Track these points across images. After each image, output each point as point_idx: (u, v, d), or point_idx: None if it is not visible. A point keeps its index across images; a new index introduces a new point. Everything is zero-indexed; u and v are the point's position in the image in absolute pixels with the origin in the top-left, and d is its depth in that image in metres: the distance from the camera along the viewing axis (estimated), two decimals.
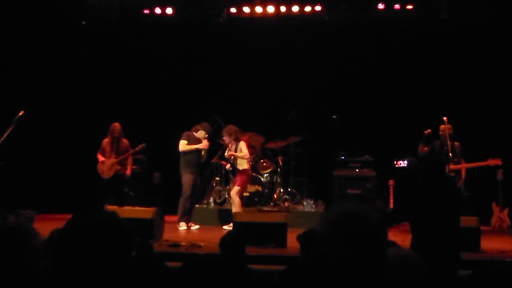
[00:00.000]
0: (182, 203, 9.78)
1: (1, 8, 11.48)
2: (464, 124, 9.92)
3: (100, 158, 9.64)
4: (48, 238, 3.69)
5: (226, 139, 9.82)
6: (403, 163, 8.69)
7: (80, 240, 1.96)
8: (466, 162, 9.16)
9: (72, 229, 2.03)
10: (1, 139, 8.53)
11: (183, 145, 9.78)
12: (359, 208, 1.77)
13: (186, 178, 9.77)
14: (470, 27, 11.30)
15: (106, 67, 12.36)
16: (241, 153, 9.69)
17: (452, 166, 8.74)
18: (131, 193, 11.03)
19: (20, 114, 8.79)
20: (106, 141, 9.69)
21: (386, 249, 1.78)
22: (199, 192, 10.43)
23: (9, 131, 8.60)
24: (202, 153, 9.94)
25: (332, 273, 1.73)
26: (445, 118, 8.95)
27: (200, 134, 9.89)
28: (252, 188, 10.69)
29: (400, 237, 7.18)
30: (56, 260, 2.05)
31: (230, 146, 9.87)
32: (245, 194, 10.44)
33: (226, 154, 9.95)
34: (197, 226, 9.88)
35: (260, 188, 10.86)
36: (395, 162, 8.81)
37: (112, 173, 9.58)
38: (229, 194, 10.35)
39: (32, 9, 11.65)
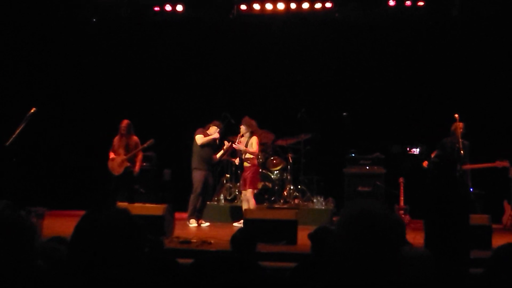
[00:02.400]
0: (192, 200, 9.78)
1: (12, 6, 11.56)
2: (474, 122, 9.85)
3: (111, 155, 9.71)
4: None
5: (243, 129, 9.80)
6: (415, 151, 8.69)
7: (93, 236, 1.97)
8: (474, 162, 9.11)
9: (85, 226, 2.04)
10: (13, 136, 8.58)
11: (200, 139, 9.79)
12: (376, 206, 1.77)
13: (198, 175, 9.77)
14: (481, 24, 11.22)
15: (117, 64, 12.40)
16: (251, 148, 9.69)
17: (463, 166, 8.69)
18: (141, 190, 11.07)
19: (32, 111, 8.83)
20: (116, 138, 9.76)
21: (401, 249, 1.78)
22: (211, 190, 10.43)
23: (21, 128, 8.64)
24: (219, 153, 9.96)
25: (345, 271, 1.73)
26: (456, 115, 8.90)
27: (212, 130, 9.90)
28: (262, 185, 10.69)
29: (411, 235, 7.17)
30: (69, 256, 2.06)
31: (239, 138, 9.85)
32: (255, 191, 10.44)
33: (235, 145, 9.89)
34: (207, 224, 9.89)
35: (270, 185, 10.86)
36: (408, 149, 8.83)
37: (122, 170, 9.63)
38: (239, 191, 10.35)
39: (42, 6, 11.70)
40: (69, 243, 2.02)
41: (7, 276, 2.21)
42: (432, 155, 8.68)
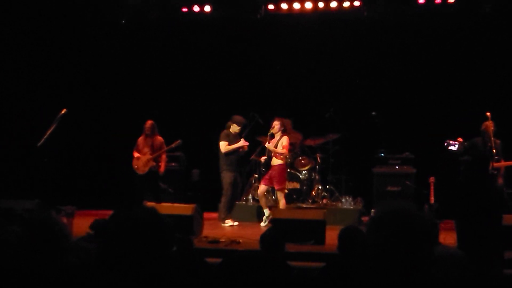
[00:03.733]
0: (224, 203, 9.82)
1: (42, 8, 11.74)
2: (505, 120, 9.63)
3: (136, 154, 9.79)
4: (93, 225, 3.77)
5: (276, 127, 9.76)
6: (453, 147, 8.41)
7: (122, 235, 1.98)
8: (506, 160, 8.91)
9: (114, 224, 2.05)
10: (44, 137, 8.71)
11: (224, 147, 9.80)
12: (408, 206, 1.75)
13: (227, 177, 9.79)
14: None
15: (145, 65, 12.51)
16: (281, 149, 9.67)
17: (495, 164, 8.52)
18: (170, 189, 11.13)
19: (63, 112, 8.95)
20: (141, 138, 9.84)
21: (433, 248, 1.75)
22: (240, 190, 10.42)
23: (52, 129, 8.77)
24: (240, 149, 9.95)
25: (377, 269, 1.70)
26: (488, 113, 8.73)
27: (234, 128, 9.90)
28: (290, 185, 10.66)
29: (441, 235, 7.06)
30: (97, 254, 2.07)
31: (269, 138, 9.83)
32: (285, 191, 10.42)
33: (267, 144, 9.89)
34: (236, 223, 9.89)
35: (298, 185, 10.82)
36: (445, 143, 8.55)
37: (147, 169, 9.70)
38: (267, 191, 10.30)
39: (72, 8, 11.85)
40: (98, 241, 2.03)
41: (40, 271, 2.24)
42: None
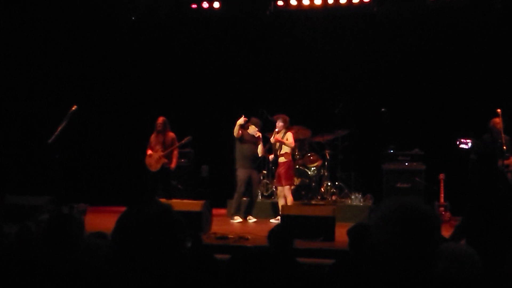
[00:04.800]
0: (236, 199, 9.86)
1: (53, 4, 11.80)
2: None
3: (148, 152, 9.84)
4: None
5: (279, 124, 9.82)
6: (464, 146, 8.27)
7: (136, 231, 1.99)
8: None
9: (128, 220, 2.07)
10: (56, 133, 8.76)
11: (234, 132, 9.82)
12: (414, 202, 1.75)
13: (241, 174, 9.83)
14: None
15: (154, 61, 12.53)
16: (287, 141, 9.71)
17: (505, 161, 8.49)
18: (179, 186, 11.15)
19: (73, 108, 9.00)
20: (153, 135, 9.89)
21: (439, 244, 1.76)
22: (257, 186, 10.40)
23: (63, 125, 8.82)
24: (259, 147, 9.96)
25: (384, 265, 1.71)
26: (499, 110, 8.69)
27: (251, 129, 9.91)
28: (299, 182, 10.66)
29: (448, 232, 7.04)
30: (111, 250, 2.08)
31: (275, 133, 9.87)
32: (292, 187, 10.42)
33: (272, 139, 9.92)
34: (254, 220, 9.93)
35: (307, 182, 10.82)
36: (457, 142, 8.41)
37: (159, 166, 9.75)
38: (276, 188, 10.33)
39: (82, 4, 11.90)
40: (112, 237, 2.04)
41: (56, 268, 2.25)
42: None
